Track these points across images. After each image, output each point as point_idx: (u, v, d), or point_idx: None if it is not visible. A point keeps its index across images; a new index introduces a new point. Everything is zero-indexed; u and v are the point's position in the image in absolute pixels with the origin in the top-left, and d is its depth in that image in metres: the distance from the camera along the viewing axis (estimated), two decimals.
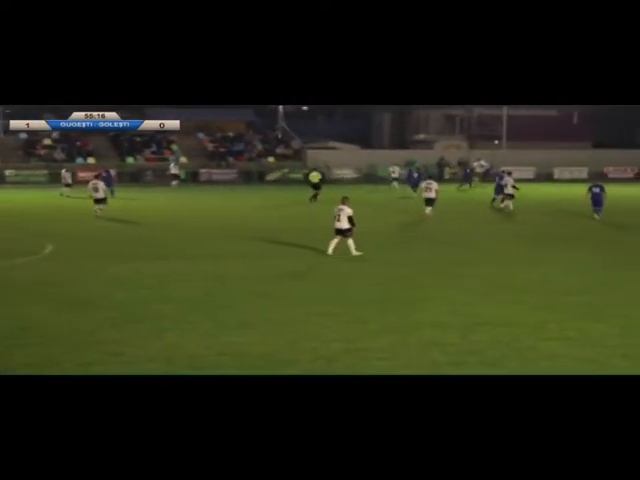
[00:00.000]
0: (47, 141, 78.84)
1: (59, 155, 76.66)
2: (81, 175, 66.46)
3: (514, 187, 45.40)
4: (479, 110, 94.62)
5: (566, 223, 40.03)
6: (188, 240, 33.15)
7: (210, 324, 17.64)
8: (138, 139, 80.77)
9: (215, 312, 18.81)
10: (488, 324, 17.53)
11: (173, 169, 70.33)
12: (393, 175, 67.48)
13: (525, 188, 50.56)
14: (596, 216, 40.48)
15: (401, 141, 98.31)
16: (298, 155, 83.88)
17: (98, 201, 43.12)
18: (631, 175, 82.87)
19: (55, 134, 78.33)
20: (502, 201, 46.16)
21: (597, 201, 40.97)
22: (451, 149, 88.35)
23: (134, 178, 73.92)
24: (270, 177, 78.46)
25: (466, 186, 65.41)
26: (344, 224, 27.70)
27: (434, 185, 42.02)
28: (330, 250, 27.76)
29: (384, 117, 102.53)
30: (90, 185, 44.20)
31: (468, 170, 69.76)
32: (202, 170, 77.60)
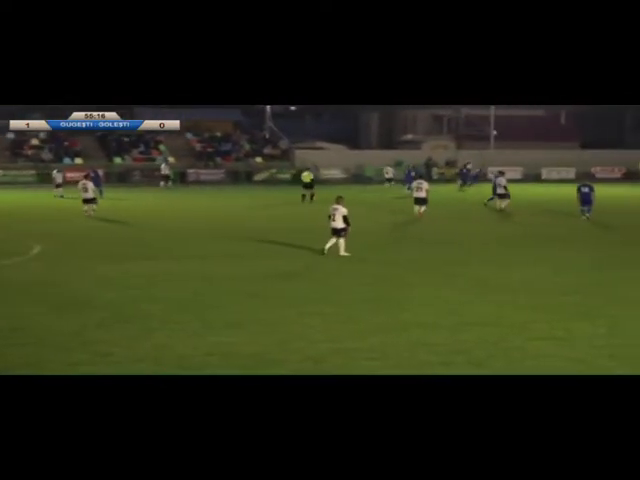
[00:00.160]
0: (35, 141, 78.71)
1: (47, 155, 76.54)
2: (69, 175, 66.36)
3: (504, 188, 45.59)
4: (467, 110, 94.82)
5: (555, 223, 40.10)
6: (176, 240, 33.12)
7: (198, 324, 17.61)
8: (126, 139, 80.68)
9: (203, 312, 18.78)
10: (477, 324, 17.54)
11: (164, 170, 70.09)
12: (387, 175, 67.57)
13: (513, 188, 50.61)
14: (585, 216, 40.63)
15: (389, 141, 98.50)
16: (286, 155, 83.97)
17: (87, 201, 43.04)
18: (619, 175, 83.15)
19: (43, 134, 78.21)
20: (501, 202, 46.18)
21: (586, 201, 41.10)
22: (439, 149, 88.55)
23: (122, 178, 73.89)
24: (258, 177, 78.52)
25: (464, 186, 65.69)
26: (339, 223, 27.73)
27: (425, 185, 42.22)
28: (325, 249, 27.79)
29: (372, 117, 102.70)
30: (80, 185, 44.13)
31: (464, 170, 69.61)
32: (190, 170, 77.63)
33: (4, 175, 72.73)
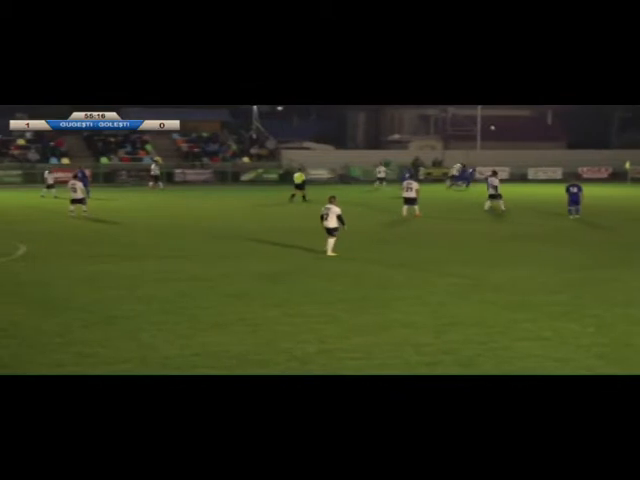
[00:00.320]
0: (21, 141, 78.46)
1: (33, 155, 76.27)
2: (56, 176, 66.08)
3: (495, 188, 45.56)
4: (453, 110, 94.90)
5: (542, 223, 40.16)
6: (163, 240, 33.05)
7: (185, 324, 17.56)
8: (112, 139, 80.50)
9: (190, 312, 18.73)
10: (463, 324, 17.54)
11: (154, 170, 69.57)
12: (379, 175, 67.57)
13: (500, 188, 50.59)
14: (572, 215, 40.91)
15: (376, 141, 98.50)
16: (273, 155, 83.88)
17: (75, 201, 42.83)
18: (605, 175, 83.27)
19: (29, 134, 77.99)
20: (491, 203, 46.16)
21: (575, 200, 41.59)
22: (426, 149, 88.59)
23: (108, 178, 73.64)
24: (245, 177, 78.40)
25: (463, 186, 65.91)
26: (331, 223, 27.73)
27: (414, 185, 42.19)
28: (327, 250, 27.82)
29: (359, 117, 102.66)
30: (69, 185, 43.94)
31: (471, 170, 69.50)
32: (177, 170, 77.41)
33: None
